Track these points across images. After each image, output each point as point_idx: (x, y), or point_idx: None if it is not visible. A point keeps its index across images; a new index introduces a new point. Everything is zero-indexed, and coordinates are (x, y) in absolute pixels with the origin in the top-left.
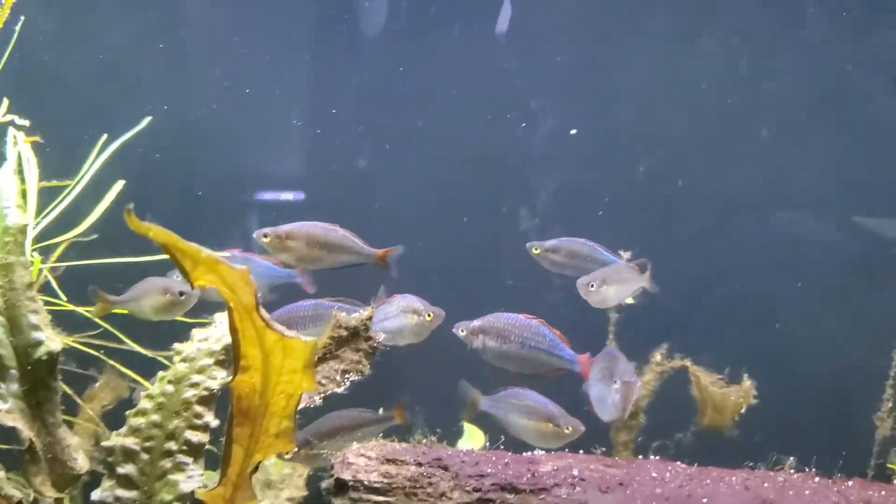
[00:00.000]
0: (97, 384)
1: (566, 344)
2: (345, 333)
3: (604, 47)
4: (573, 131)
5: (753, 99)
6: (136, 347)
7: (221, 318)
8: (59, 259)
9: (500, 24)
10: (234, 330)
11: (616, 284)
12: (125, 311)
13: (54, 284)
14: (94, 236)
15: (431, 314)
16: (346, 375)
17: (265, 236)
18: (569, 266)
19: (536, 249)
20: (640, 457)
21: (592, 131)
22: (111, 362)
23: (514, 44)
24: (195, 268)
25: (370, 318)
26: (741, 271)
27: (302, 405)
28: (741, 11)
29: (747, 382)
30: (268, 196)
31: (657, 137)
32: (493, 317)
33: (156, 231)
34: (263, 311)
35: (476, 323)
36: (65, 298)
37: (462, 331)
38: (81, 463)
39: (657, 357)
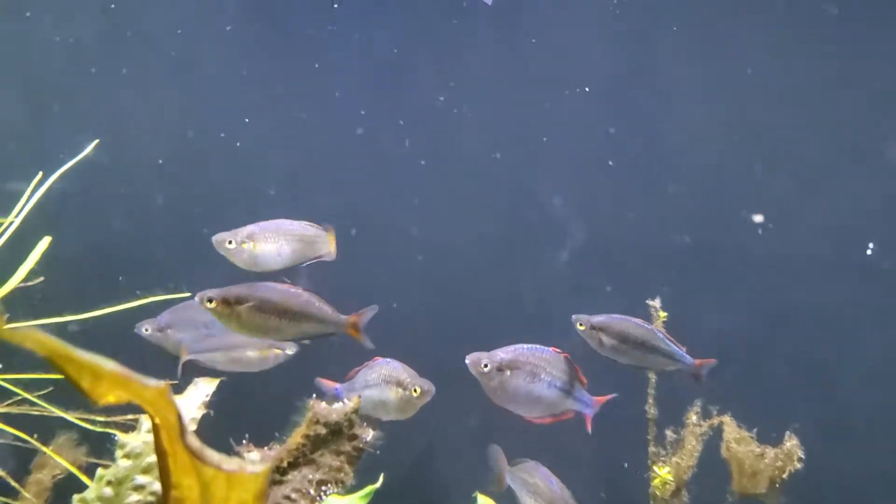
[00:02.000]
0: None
1: (583, 384)
2: (323, 431)
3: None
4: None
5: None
6: (58, 412)
7: (185, 396)
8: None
9: None
10: (161, 452)
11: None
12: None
13: None
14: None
15: (419, 388)
16: (323, 487)
17: (209, 301)
18: (620, 352)
19: (581, 325)
20: None
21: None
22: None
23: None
24: (97, 384)
25: (356, 412)
26: (808, 328)
27: None
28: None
29: (789, 443)
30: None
31: (707, 186)
32: (518, 349)
33: (35, 339)
34: (193, 439)
35: (502, 356)
36: None
37: (486, 365)
38: None
39: (692, 417)
